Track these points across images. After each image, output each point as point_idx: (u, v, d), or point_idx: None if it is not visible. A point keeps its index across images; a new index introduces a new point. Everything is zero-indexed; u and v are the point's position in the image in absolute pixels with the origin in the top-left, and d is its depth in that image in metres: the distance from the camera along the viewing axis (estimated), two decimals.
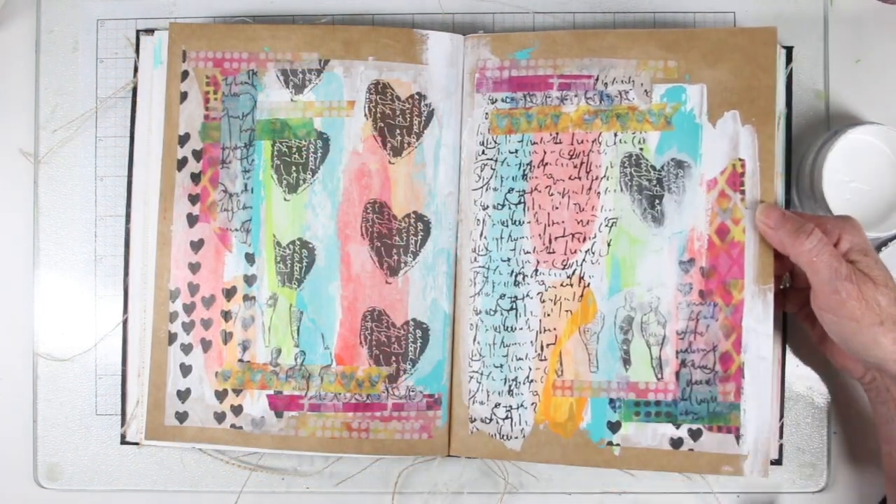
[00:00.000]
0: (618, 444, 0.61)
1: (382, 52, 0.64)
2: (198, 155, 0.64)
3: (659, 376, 0.62)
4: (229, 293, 0.64)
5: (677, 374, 0.61)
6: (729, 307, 0.61)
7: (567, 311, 0.62)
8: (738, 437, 0.60)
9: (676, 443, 0.61)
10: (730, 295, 0.61)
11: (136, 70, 0.66)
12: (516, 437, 0.62)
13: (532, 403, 0.62)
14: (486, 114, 0.63)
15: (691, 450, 0.61)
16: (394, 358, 0.63)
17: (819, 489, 0.65)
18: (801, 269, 0.57)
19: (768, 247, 0.60)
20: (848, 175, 0.62)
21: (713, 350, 0.61)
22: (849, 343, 0.56)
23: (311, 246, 0.64)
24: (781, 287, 0.63)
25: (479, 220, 0.63)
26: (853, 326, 0.54)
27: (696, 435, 0.61)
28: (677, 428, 0.61)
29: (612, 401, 0.62)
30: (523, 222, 0.63)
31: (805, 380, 0.65)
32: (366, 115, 0.64)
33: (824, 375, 0.65)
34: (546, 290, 0.63)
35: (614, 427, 0.62)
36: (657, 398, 0.61)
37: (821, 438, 0.65)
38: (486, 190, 0.63)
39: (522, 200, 0.63)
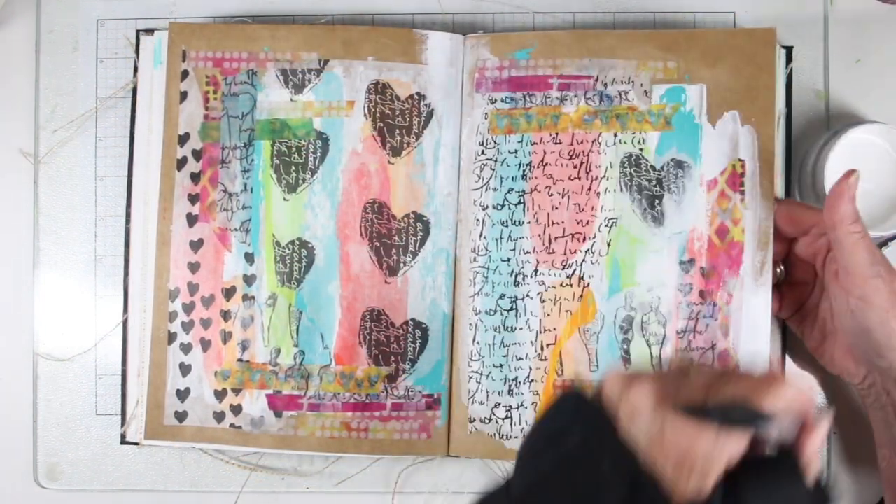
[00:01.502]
0: None
1: (382, 52, 0.64)
2: (197, 155, 0.64)
3: None
4: (229, 293, 0.64)
5: None
6: (728, 306, 0.61)
7: (567, 311, 0.62)
8: None
9: None
10: (729, 294, 0.61)
11: (136, 70, 0.66)
12: (516, 437, 0.62)
13: (532, 403, 0.62)
14: (486, 114, 0.63)
15: None
16: (393, 358, 0.63)
17: None
18: (838, 245, 0.54)
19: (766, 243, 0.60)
20: None
21: (712, 348, 0.61)
22: (870, 334, 0.54)
23: (310, 246, 0.64)
24: (776, 282, 0.63)
25: (478, 220, 0.63)
26: (882, 317, 0.53)
27: None
28: None
29: None
30: (523, 222, 0.63)
31: (805, 380, 0.65)
32: (365, 114, 0.64)
33: (824, 376, 0.65)
34: (546, 291, 0.63)
35: None
36: None
37: None
38: (486, 190, 0.63)
39: (522, 200, 0.63)
